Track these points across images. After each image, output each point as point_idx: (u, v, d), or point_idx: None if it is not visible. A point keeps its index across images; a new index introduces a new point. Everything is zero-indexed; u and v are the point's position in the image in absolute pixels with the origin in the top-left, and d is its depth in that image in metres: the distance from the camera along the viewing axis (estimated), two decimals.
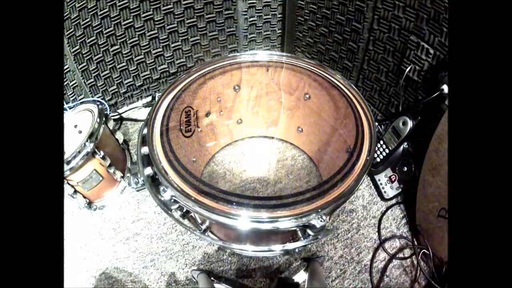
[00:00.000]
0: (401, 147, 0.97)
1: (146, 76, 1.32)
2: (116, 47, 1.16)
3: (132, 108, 1.36)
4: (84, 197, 0.97)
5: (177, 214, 0.62)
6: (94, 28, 1.07)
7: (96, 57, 1.15)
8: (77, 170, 0.88)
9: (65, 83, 1.12)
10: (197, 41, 1.32)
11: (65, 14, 0.98)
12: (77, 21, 1.02)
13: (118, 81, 1.27)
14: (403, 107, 1.03)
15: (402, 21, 0.91)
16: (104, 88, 1.25)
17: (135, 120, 1.32)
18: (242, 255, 0.93)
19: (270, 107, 1.10)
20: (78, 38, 1.06)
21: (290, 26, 1.38)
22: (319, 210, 0.57)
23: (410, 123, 0.91)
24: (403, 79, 0.97)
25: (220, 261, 0.92)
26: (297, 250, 0.89)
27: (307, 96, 0.99)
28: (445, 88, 0.81)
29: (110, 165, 0.97)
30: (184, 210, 0.62)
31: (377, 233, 0.97)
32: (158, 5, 1.14)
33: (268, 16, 1.37)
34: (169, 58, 1.31)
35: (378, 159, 1.03)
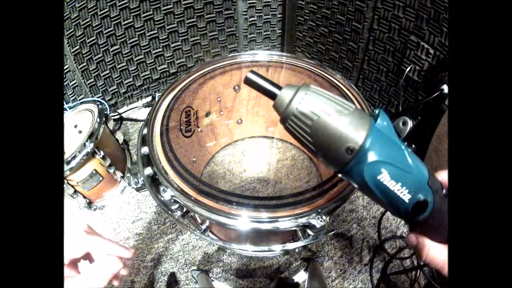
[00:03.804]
0: None
1: (146, 76, 1.32)
2: (116, 47, 1.16)
3: (132, 108, 1.36)
4: (84, 197, 0.97)
5: (177, 214, 0.62)
6: (94, 28, 1.07)
7: (96, 57, 1.15)
8: (77, 170, 0.88)
9: (65, 83, 1.12)
10: (197, 41, 1.32)
11: (65, 14, 0.98)
12: (77, 21, 1.02)
13: (118, 81, 1.27)
14: (403, 107, 1.03)
15: (402, 21, 0.91)
16: (104, 88, 1.25)
17: (135, 120, 1.32)
18: (242, 255, 0.93)
19: (270, 107, 1.10)
20: (78, 38, 1.06)
21: (290, 26, 1.38)
22: (319, 210, 0.57)
23: (410, 123, 0.91)
24: (403, 79, 0.97)
25: (220, 261, 0.92)
26: (297, 250, 0.89)
27: None
28: (445, 88, 0.81)
29: (110, 165, 0.97)
30: (184, 210, 0.62)
31: (377, 233, 0.97)
32: (158, 5, 1.14)
33: (268, 16, 1.37)
34: (169, 58, 1.31)
35: None
